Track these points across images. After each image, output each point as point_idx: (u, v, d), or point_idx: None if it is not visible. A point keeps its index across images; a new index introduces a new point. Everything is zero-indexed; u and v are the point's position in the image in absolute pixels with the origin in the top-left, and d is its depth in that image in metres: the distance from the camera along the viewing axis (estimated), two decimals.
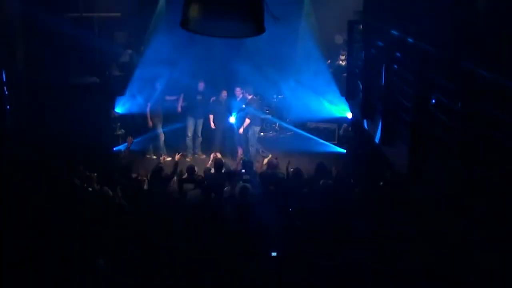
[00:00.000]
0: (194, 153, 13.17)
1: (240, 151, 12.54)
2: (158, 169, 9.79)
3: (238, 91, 12.90)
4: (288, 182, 9.48)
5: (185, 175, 9.90)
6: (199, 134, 13.17)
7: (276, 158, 10.76)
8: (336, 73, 13.69)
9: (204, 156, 12.91)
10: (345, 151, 12.67)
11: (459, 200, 4.38)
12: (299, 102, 13.65)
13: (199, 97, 13.00)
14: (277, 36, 10.31)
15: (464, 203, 4.32)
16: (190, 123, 13.09)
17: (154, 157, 12.85)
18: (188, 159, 12.78)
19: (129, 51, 14.70)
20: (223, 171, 10.04)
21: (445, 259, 4.80)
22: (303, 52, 14.09)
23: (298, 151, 12.95)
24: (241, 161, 10.87)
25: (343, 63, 13.55)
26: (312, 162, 11.27)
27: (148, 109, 12.80)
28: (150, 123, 12.83)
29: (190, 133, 13.08)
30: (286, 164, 10.30)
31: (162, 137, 13.00)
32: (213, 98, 13.01)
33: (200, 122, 13.16)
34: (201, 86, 13.00)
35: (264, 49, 13.45)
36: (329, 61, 14.48)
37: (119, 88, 12.84)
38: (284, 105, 14.40)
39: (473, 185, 4.32)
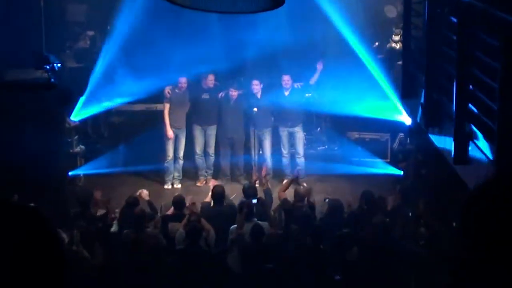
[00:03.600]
0: (205, 177, 13.19)
1: (264, 169, 12.53)
2: (132, 202, 9.70)
3: (286, 79, 13.00)
4: (323, 220, 9.46)
5: (171, 211, 9.85)
6: (212, 150, 13.15)
7: (301, 184, 10.77)
8: (388, 60, 13.69)
9: (216, 183, 12.34)
10: (402, 172, 12.64)
11: None
12: (333, 103, 13.60)
13: (205, 96, 12.98)
14: (301, 9, 10.32)
15: None
16: (198, 135, 13.05)
17: (176, 186, 13.09)
18: (199, 183, 13.05)
19: (90, 33, 14.80)
20: (224, 203, 10.00)
21: None
22: (339, 31, 14.08)
23: (335, 173, 13.01)
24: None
25: (398, 46, 13.56)
26: (355, 189, 11.24)
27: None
28: (170, 133, 12.90)
29: (199, 149, 13.07)
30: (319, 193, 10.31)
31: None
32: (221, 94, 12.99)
33: (213, 132, 13.13)
34: (209, 81, 12.94)
35: (283, 27, 13.46)
36: (377, 43, 14.51)
37: (76, 86, 12.89)
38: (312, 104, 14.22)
39: None
